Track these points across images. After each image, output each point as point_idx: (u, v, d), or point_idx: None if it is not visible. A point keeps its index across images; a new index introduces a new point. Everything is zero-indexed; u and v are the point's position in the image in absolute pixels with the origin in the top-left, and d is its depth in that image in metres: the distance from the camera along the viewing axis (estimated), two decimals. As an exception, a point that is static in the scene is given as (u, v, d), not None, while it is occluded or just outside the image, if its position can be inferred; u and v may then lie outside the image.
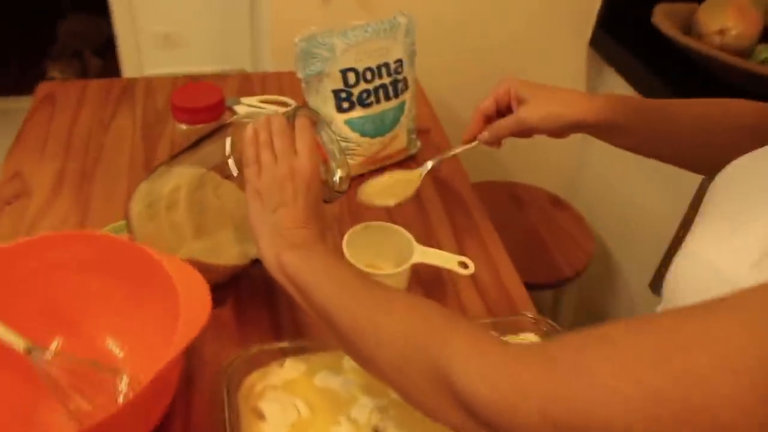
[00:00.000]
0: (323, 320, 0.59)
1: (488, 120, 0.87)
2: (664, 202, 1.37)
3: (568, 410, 0.41)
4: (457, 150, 0.90)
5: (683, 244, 0.59)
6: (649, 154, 0.83)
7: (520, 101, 0.83)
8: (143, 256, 0.67)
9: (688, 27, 1.40)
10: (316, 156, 0.71)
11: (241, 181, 0.74)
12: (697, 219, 0.62)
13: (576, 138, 0.91)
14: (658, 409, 0.38)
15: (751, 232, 0.52)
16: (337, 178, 0.79)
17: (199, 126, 0.97)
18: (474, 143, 0.88)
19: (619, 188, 1.54)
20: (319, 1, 1.32)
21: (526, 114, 0.82)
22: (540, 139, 0.88)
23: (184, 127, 0.96)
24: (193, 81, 1.24)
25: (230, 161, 0.74)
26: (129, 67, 2.91)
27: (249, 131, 0.72)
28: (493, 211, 1.06)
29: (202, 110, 0.95)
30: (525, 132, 0.84)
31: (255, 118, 0.75)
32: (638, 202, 1.48)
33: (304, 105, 0.95)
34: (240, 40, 2.98)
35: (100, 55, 2.91)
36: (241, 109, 1.17)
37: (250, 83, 1.29)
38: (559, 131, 0.83)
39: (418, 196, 1.04)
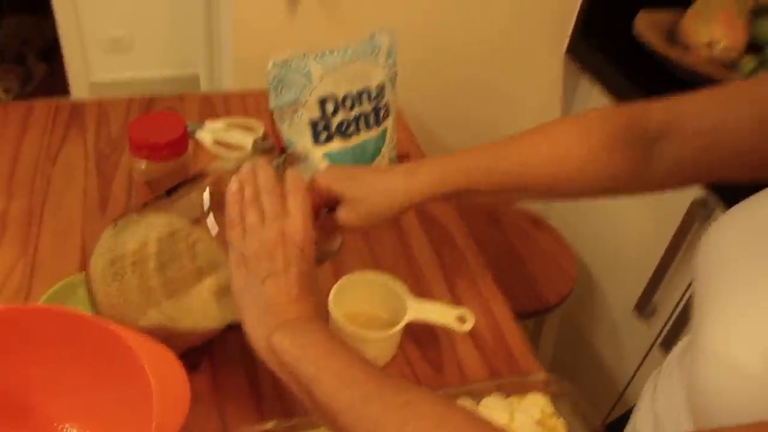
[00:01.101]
0: (324, 417, 0.50)
1: None
2: (648, 222, 1.33)
3: None
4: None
5: (697, 331, 0.52)
6: (521, 200, 0.74)
7: (337, 200, 0.71)
8: (108, 335, 0.58)
9: (671, 35, 1.35)
10: (310, 216, 0.62)
11: (222, 239, 0.65)
12: (703, 287, 0.55)
13: None
14: None
15: (751, 323, 0.46)
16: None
17: (161, 163, 0.87)
18: None
19: (598, 207, 1.49)
20: (284, 9, 1.22)
21: (345, 218, 0.70)
22: None
23: (143, 165, 0.86)
24: (152, 109, 1.15)
25: (209, 219, 0.65)
26: (75, 73, 2.77)
27: (232, 186, 0.63)
28: (471, 231, 0.99)
29: (162, 146, 0.85)
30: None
31: (239, 169, 0.66)
32: (620, 221, 1.43)
33: (292, 152, 0.87)
34: (192, 44, 2.86)
35: (45, 59, 2.75)
36: (204, 136, 1.07)
37: (212, 105, 1.19)
38: (383, 223, 0.72)
39: (402, 233, 0.96)
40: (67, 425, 0.62)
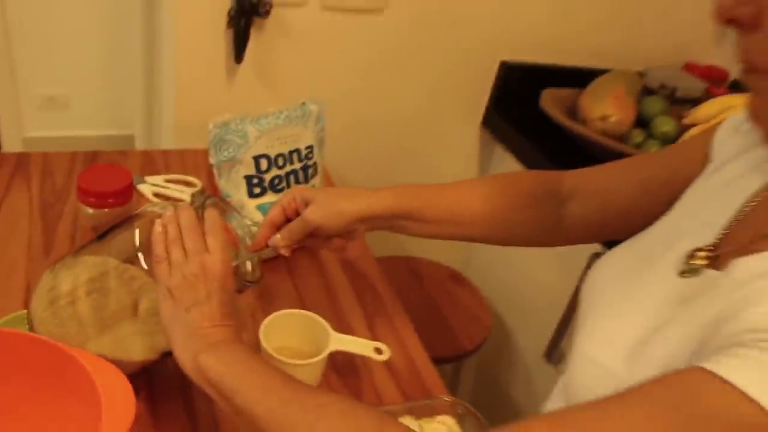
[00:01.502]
0: (249, 425, 0.59)
1: (277, 228, 0.83)
2: (555, 276, 1.46)
3: None
4: (243, 259, 0.81)
5: (575, 344, 0.65)
6: (452, 238, 0.86)
7: (306, 203, 0.82)
8: (54, 352, 0.64)
9: (571, 110, 1.52)
10: (228, 250, 0.71)
11: (152, 275, 0.73)
12: (582, 312, 0.68)
13: None
14: None
15: (617, 331, 0.58)
16: (249, 266, 0.79)
17: (106, 210, 0.95)
18: (265, 249, 0.84)
19: (512, 263, 1.62)
20: (223, 78, 1.33)
21: (311, 215, 0.80)
22: None
23: (90, 210, 0.94)
24: (96, 163, 1.22)
25: (140, 255, 0.73)
26: (8, 128, 2.79)
27: (157, 227, 0.71)
28: (395, 286, 1.09)
29: (110, 194, 0.93)
30: (315, 232, 0.82)
31: (164, 212, 0.75)
32: (531, 276, 1.56)
33: (211, 194, 0.95)
34: (128, 105, 2.93)
35: (-23, 114, 2.76)
36: (145, 188, 1.15)
37: (152, 161, 1.27)
38: (346, 227, 0.82)
39: (326, 279, 1.06)
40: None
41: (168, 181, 1.19)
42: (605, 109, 1.41)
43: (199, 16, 1.25)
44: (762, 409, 0.40)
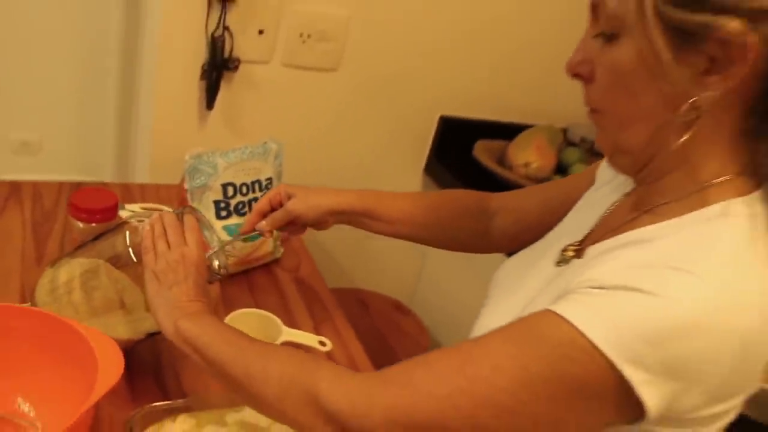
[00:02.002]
0: (217, 372, 0.75)
1: (263, 216, 1.03)
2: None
3: (402, 412, 0.62)
4: (238, 239, 1.09)
5: (477, 320, 0.84)
6: (403, 237, 1.09)
7: (289, 197, 1.03)
8: (53, 321, 0.80)
9: (501, 159, 1.73)
10: (202, 245, 0.89)
11: (134, 270, 0.90)
12: (485, 301, 0.88)
13: (415, 253, 1.13)
14: (459, 400, 0.60)
15: (511, 308, 0.78)
16: (216, 264, 0.97)
17: (94, 225, 1.12)
18: (253, 233, 1.04)
19: (452, 296, 1.81)
20: (195, 124, 1.52)
21: (292, 206, 1.02)
22: (384, 251, 1.08)
23: (81, 225, 1.10)
24: (87, 187, 1.39)
25: (130, 250, 0.91)
26: (-22, 172, 2.89)
27: (146, 225, 0.89)
28: (344, 314, 1.26)
29: (99, 211, 1.10)
30: (294, 220, 1.03)
31: (151, 216, 0.93)
32: (468, 306, 1.74)
33: (189, 205, 1.13)
34: (100, 153, 3.07)
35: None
36: (124, 214, 1.32)
37: (130, 192, 1.44)
38: (319, 218, 1.03)
39: (281, 293, 1.23)
40: (19, 398, 0.82)
41: (144, 208, 1.36)
42: (528, 157, 1.63)
43: (178, 68, 1.44)
44: (577, 330, 0.58)
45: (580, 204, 0.89)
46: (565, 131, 1.82)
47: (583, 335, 0.57)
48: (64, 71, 2.89)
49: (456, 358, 0.64)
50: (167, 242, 0.86)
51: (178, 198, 1.44)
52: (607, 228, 0.75)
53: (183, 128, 1.51)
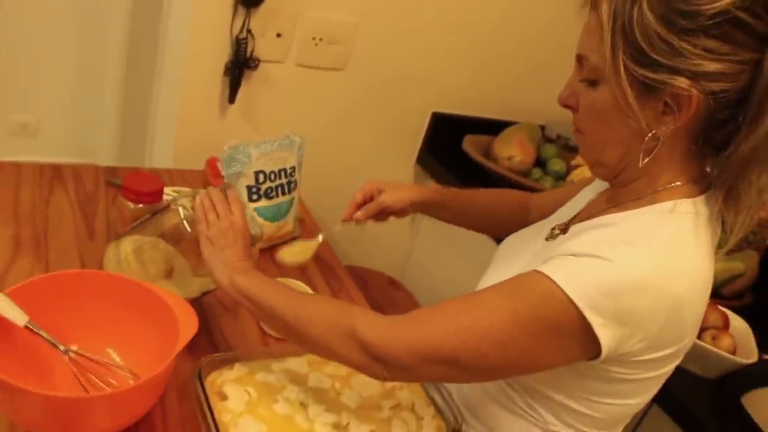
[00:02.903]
0: (269, 316, 0.93)
1: (359, 207, 1.24)
2: (473, 279, 1.84)
3: (421, 344, 0.83)
4: (341, 227, 1.26)
5: (481, 281, 1.04)
6: (463, 225, 1.31)
7: (379, 192, 1.24)
8: (136, 286, 0.97)
9: (487, 152, 1.93)
10: (246, 215, 1.07)
11: (180, 243, 1.08)
12: (488, 270, 1.07)
13: (405, 232, 1.32)
14: (465, 335, 0.80)
15: (507, 272, 0.97)
16: (254, 232, 1.14)
17: (141, 206, 1.28)
18: (352, 222, 1.24)
19: (439, 271, 2.00)
20: (216, 116, 1.68)
21: (384, 198, 1.22)
22: (378, 232, 1.25)
23: (131, 205, 1.26)
24: (116, 175, 1.54)
25: (184, 222, 1.08)
26: (-22, 152, 2.98)
27: (198, 200, 1.06)
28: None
29: (147, 194, 1.26)
30: (383, 211, 1.24)
31: (187, 200, 1.10)
32: (455, 283, 1.94)
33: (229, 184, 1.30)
34: (98, 136, 3.18)
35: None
36: (160, 196, 1.48)
37: (159, 176, 1.59)
38: (403, 208, 1.24)
39: (304, 272, 1.41)
40: (108, 348, 0.99)
41: (175, 191, 1.53)
42: (511, 151, 1.83)
43: (203, 65, 1.60)
44: (555, 284, 0.77)
45: (572, 199, 1.10)
46: (543, 128, 2.02)
47: (559, 288, 0.78)
48: (63, 56, 3.00)
49: (463, 304, 0.85)
50: (216, 213, 1.03)
51: (202, 182, 1.61)
52: (586, 213, 0.97)
53: (206, 120, 1.67)
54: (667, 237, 0.80)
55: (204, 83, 1.63)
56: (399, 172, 2.04)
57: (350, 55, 1.74)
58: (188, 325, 0.93)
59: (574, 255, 0.80)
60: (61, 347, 0.90)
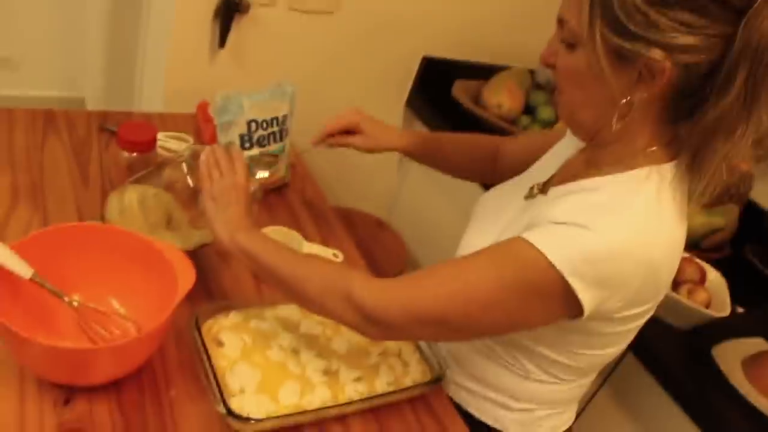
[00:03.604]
0: (268, 273, 0.98)
1: (332, 135, 1.29)
2: (459, 221, 1.89)
3: (414, 307, 0.88)
4: (308, 149, 1.34)
5: (462, 239, 1.08)
6: (439, 170, 1.37)
7: (357, 131, 1.27)
8: (136, 239, 1.01)
9: (476, 97, 1.95)
10: (248, 173, 1.10)
11: (181, 195, 1.11)
12: (469, 224, 1.12)
13: (393, 173, 1.37)
14: (455, 298, 0.86)
15: (490, 231, 1.02)
16: (253, 189, 1.18)
17: (135, 154, 1.30)
18: (320, 147, 1.30)
19: (426, 212, 2.05)
20: (206, 59, 1.69)
21: (359, 143, 1.27)
22: (367, 173, 1.28)
23: (126, 154, 1.29)
24: (107, 121, 1.56)
25: (188, 178, 1.11)
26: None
27: (203, 157, 1.09)
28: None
29: (141, 143, 1.28)
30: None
31: (188, 150, 1.13)
32: (440, 223, 1.99)
33: (232, 141, 1.33)
34: (81, 69, 3.15)
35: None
36: (152, 142, 1.50)
37: (151, 121, 1.61)
38: (380, 152, 1.30)
39: (293, 212, 1.45)
40: (110, 297, 1.03)
41: (167, 136, 1.55)
42: (500, 99, 1.85)
43: (193, 8, 1.60)
44: (539, 251, 0.82)
45: (549, 153, 1.13)
46: (533, 73, 2.03)
47: (543, 255, 0.83)
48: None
49: (453, 268, 0.90)
50: (220, 171, 1.06)
51: (193, 126, 1.63)
52: (565, 174, 1.00)
53: (196, 63, 1.68)
54: (644, 204, 0.84)
55: (194, 27, 1.63)
56: (388, 115, 2.05)
57: (341, -1, 1.74)
58: (186, 277, 0.97)
59: (557, 223, 0.84)
60: (66, 298, 0.94)
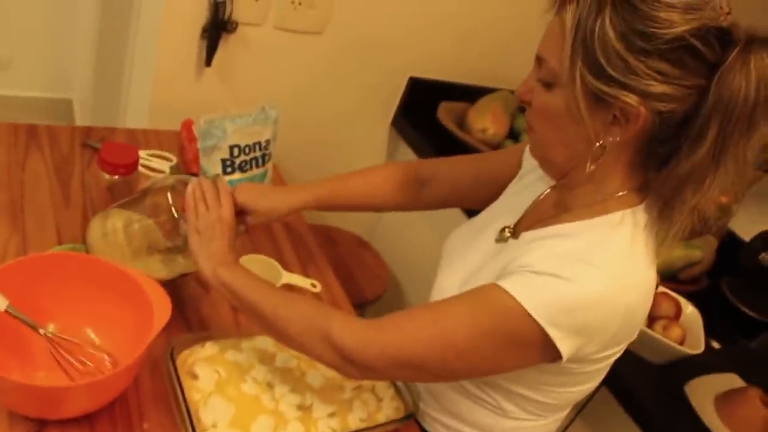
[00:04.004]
0: (248, 310, 0.98)
1: None
2: (437, 244, 1.90)
3: (392, 350, 0.88)
4: None
5: (435, 281, 1.09)
6: (358, 210, 1.32)
7: (246, 212, 1.17)
8: (113, 269, 1.01)
9: (461, 121, 1.95)
10: (233, 208, 1.10)
11: (165, 222, 1.11)
12: (440, 265, 1.12)
13: None
14: (432, 343, 0.87)
15: (459, 272, 1.02)
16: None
17: (117, 177, 1.30)
18: None
19: (407, 235, 2.06)
20: (192, 76, 1.68)
21: (252, 221, 1.18)
22: None
23: (107, 176, 1.28)
24: (90, 136, 1.55)
25: (173, 209, 1.11)
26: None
27: (189, 189, 1.09)
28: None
29: (123, 165, 1.28)
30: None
31: (177, 184, 1.13)
32: (420, 245, 2.00)
33: (218, 174, 1.33)
34: (70, 71, 3.14)
35: None
36: (134, 160, 1.50)
37: (135, 137, 1.61)
38: (278, 219, 1.25)
39: (272, 236, 1.45)
40: (86, 328, 1.03)
41: (150, 155, 1.54)
42: (485, 123, 1.86)
43: (179, 28, 1.59)
44: (516, 301, 0.83)
45: (512, 188, 1.14)
46: (518, 96, 2.04)
47: (520, 305, 0.84)
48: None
49: (431, 313, 0.91)
50: (206, 205, 1.06)
51: (177, 144, 1.63)
52: (536, 217, 1.01)
53: (182, 81, 1.68)
54: (619, 250, 0.86)
55: (180, 46, 1.62)
56: (374, 135, 2.06)
57: (329, 19, 1.74)
58: (162, 310, 0.97)
59: (534, 272, 0.85)
60: (41, 331, 0.94)
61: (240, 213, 1.17)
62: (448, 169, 1.27)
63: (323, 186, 1.26)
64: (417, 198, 1.28)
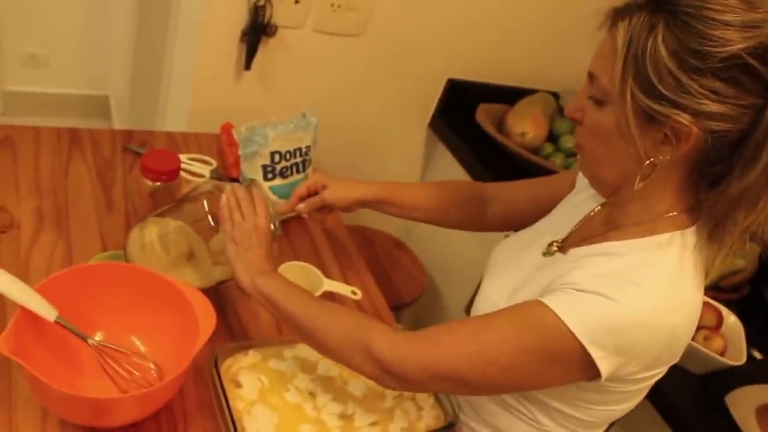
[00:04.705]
0: (287, 320, 0.98)
1: (301, 200, 1.26)
2: (476, 249, 1.89)
3: (431, 364, 0.88)
4: (278, 218, 1.18)
5: (480, 289, 1.08)
6: (413, 219, 1.32)
7: (324, 187, 1.24)
8: (157, 278, 1.02)
9: (500, 123, 1.94)
10: (270, 215, 1.10)
11: (204, 228, 1.11)
12: (485, 274, 1.11)
13: None
14: (474, 359, 0.86)
15: (507, 284, 1.01)
16: (273, 227, 1.18)
17: (159, 183, 1.31)
18: (291, 213, 1.28)
19: (445, 238, 2.05)
20: (232, 80, 1.69)
21: (326, 195, 1.23)
22: None
23: (149, 183, 1.30)
24: (131, 140, 1.57)
25: (209, 217, 1.12)
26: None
27: (224, 199, 1.09)
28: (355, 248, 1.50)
29: (165, 172, 1.29)
30: (326, 207, 1.26)
31: (215, 190, 1.13)
32: (458, 248, 1.99)
33: (254, 179, 1.33)
34: (107, 69, 3.18)
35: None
36: (175, 165, 1.51)
37: (174, 141, 1.63)
38: (349, 206, 1.26)
39: (313, 242, 1.46)
40: (131, 336, 1.04)
41: (190, 159, 1.56)
42: (524, 127, 1.84)
43: (219, 30, 1.60)
44: (560, 318, 0.82)
45: (563, 205, 1.13)
46: (557, 97, 2.02)
47: (563, 323, 0.83)
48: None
49: (472, 328, 0.90)
50: (241, 213, 1.07)
51: (216, 148, 1.64)
52: (584, 233, 1.00)
53: (221, 85, 1.68)
54: (666, 272, 0.84)
55: (220, 49, 1.63)
56: (411, 137, 2.06)
57: (368, 22, 1.73)
58: (207, 320, 0.97)
59: (579, 290, 0.84)
60: (89, 340, 0.96)
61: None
62: (509, 190, 1.28)
63: (391, 186, 1.28)
64: (481, 216, 1.29)
